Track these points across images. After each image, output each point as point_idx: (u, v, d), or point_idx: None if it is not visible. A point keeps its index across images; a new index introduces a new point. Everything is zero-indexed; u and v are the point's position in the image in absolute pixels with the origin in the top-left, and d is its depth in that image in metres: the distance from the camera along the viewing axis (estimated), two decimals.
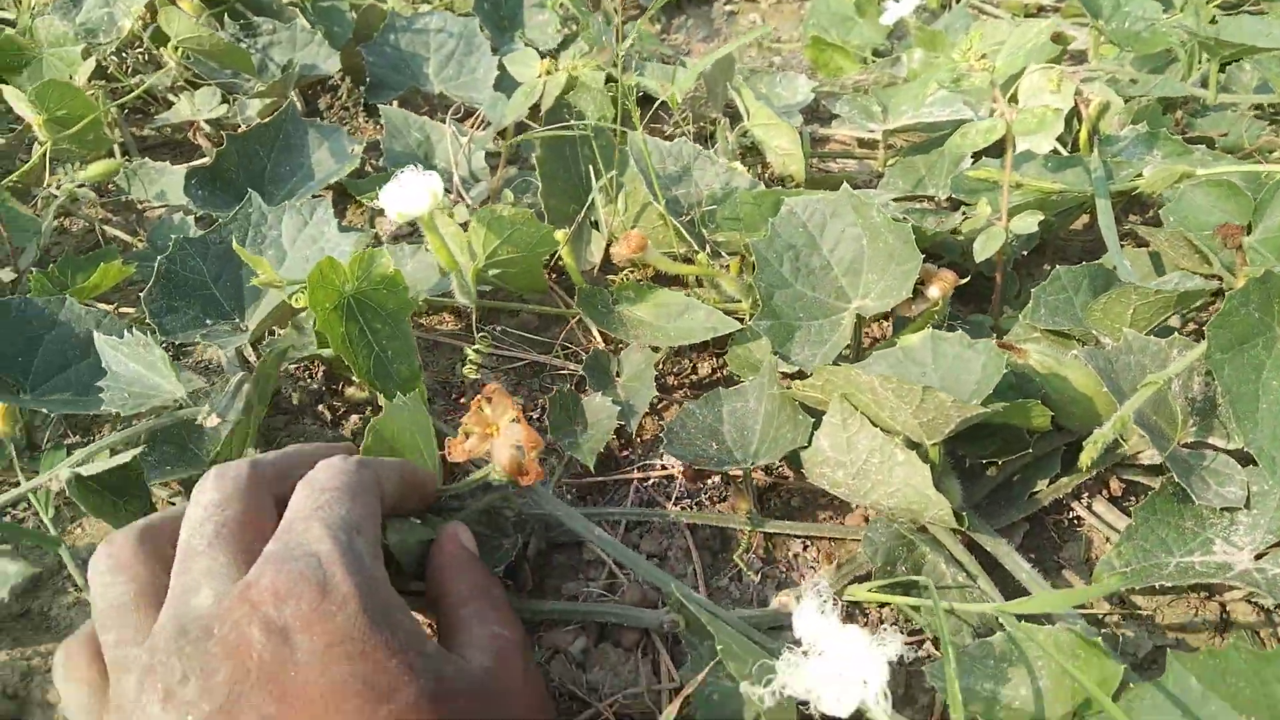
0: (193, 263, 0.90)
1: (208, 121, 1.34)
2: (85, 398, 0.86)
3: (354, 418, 0.97)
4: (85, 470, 0.72)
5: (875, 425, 0.77)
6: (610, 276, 1.15)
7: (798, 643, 0.59)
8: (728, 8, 1.97)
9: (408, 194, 0.84)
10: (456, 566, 0.69)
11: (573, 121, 1.07)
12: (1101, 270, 0.95)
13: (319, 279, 0.81)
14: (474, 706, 0.57)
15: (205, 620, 0.54)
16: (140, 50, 1.37)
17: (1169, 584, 0.75)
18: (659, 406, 1.00)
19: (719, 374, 1.04)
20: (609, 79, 1.23)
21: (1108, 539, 0.86)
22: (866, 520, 0.88)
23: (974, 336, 0.83)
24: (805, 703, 0.57)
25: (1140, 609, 0.81)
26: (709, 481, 0.91)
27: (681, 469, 0.91)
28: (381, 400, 0.84)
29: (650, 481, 0.92)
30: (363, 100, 1.46)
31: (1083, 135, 1.20)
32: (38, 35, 1.37)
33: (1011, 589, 0.78)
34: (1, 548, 0.72)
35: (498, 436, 0.73)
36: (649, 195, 1.05)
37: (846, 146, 1.49)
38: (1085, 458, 0.74)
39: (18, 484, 0.88)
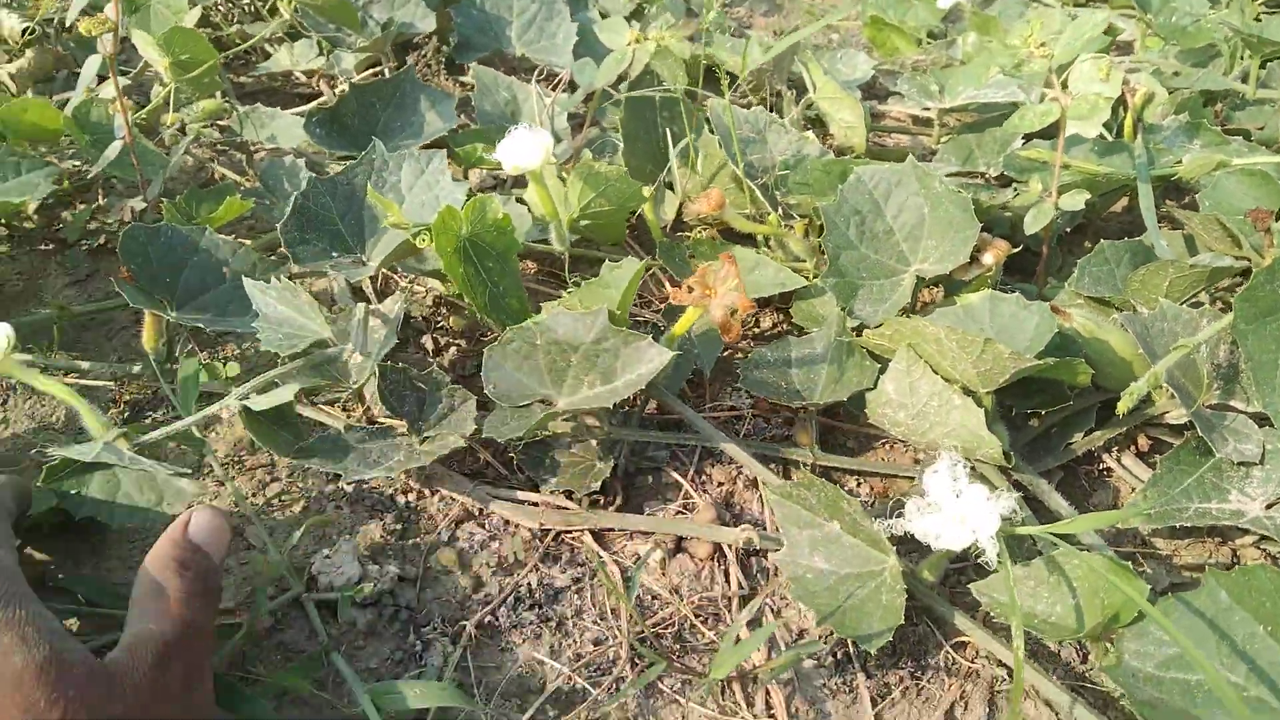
0: (323, 200, 1.00)
1: (304, 72, 1.44)
2: (223, 318, 0.97)
3: (453, 350, 1.07)
4: (253, 404, 0.83)
5: (936, 373, 0.87)
6: (680, 234, 1.24)
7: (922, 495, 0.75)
8: None
9: (523, 149, 0.93)
10: (148, 564, 0.70)
11: (664, 87, 1.16)
12: (1141, 246, 1.04)
13: (442, 225, 0.91)
14: (89, 689, 0.59)
15: None
16: (247, 2, 1.46)
17: (1188, 525, 0.84)
18: (724, 356, 1.09)
19: (779, 328, 1.13)
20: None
21: (1134, 489, 0.95)
22: (916, 462, 0.98)
23: None
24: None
25: (1160, 550, 0.90)
26: (770, 421, 1.01)
27: (753, 404, 1.01)
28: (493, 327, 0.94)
29: (719, 419, 1.01)
30: (443, 59, 1.56)
31: (1127, 123, 1.28)
32: None
33: (1049, 523, 0.87)
34: (182, 470, 0.81)
35: (715, 296, 0.84)
36: (724, 158, 1.15)
37: (900, 122, 1.57)
38: (1122, 406, 0.84)
39: (157, 391, 0.99)
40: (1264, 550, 0.90)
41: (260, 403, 0.82)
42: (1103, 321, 0.95)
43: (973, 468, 0.91)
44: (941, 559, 0.82)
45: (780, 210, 1.13)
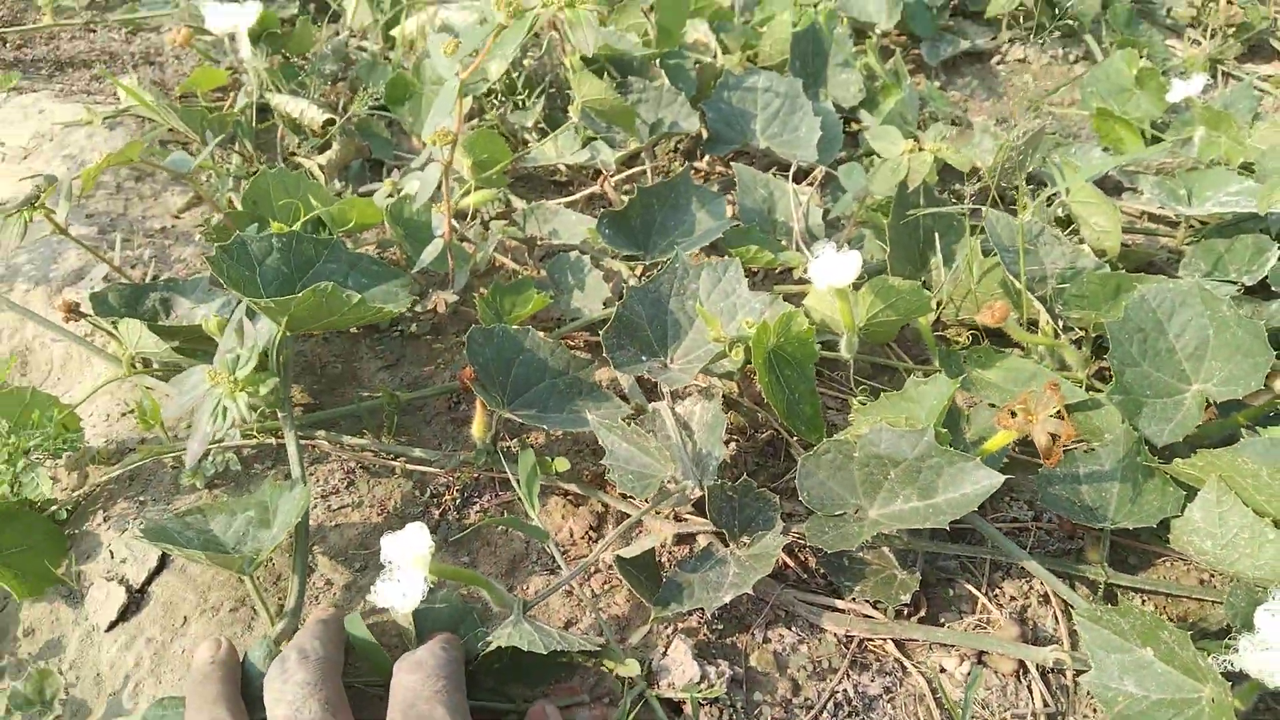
0: (636, 307, 1.08)
1: (567, 167, 1.54)
2: (544, 414, 1.05)
3: (732, 445, 1.13)
4: (623, 554, 0.93)
5: (1247, 505, 0.89)
6: (935, 334, 1.29)
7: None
8: (1001, 67, 2.08)
9: (837, 269, 0.99)
10: None
11: (960, 205, 1.22)
12: None
13: (757, 339, 0.98)
14: None
15: None
16: (519, 96, 1.57)
17: None
18: None
19: None
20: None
21: None
22: (1201, 583, 1.00)
23: None
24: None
25: None
26: (1053, 534, 1.04)
27: (1034, 517, 1.05)
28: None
29: (1004, 531, 1.05)
30: (680, 150, 1.64)
31: None
32: (423, 74, 1.59)
33: None
34: (587, 637, 0.90)
35: (1037, 422, 0.88)
36: (993, 264, 1.19)
37: (1134, 218, 1.58)
38: None
39: (487, 479, 1.07)
40: None
41: (629, 551, 0.92)
42: None
43: None
44: (1254, 689, 0.84)
45: (1059, 322, 1.17)
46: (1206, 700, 0.81)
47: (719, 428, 0.99)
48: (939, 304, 1.27)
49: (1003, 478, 0.89)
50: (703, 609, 0.90)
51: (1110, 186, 1.65)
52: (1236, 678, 0.81)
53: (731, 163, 1.45)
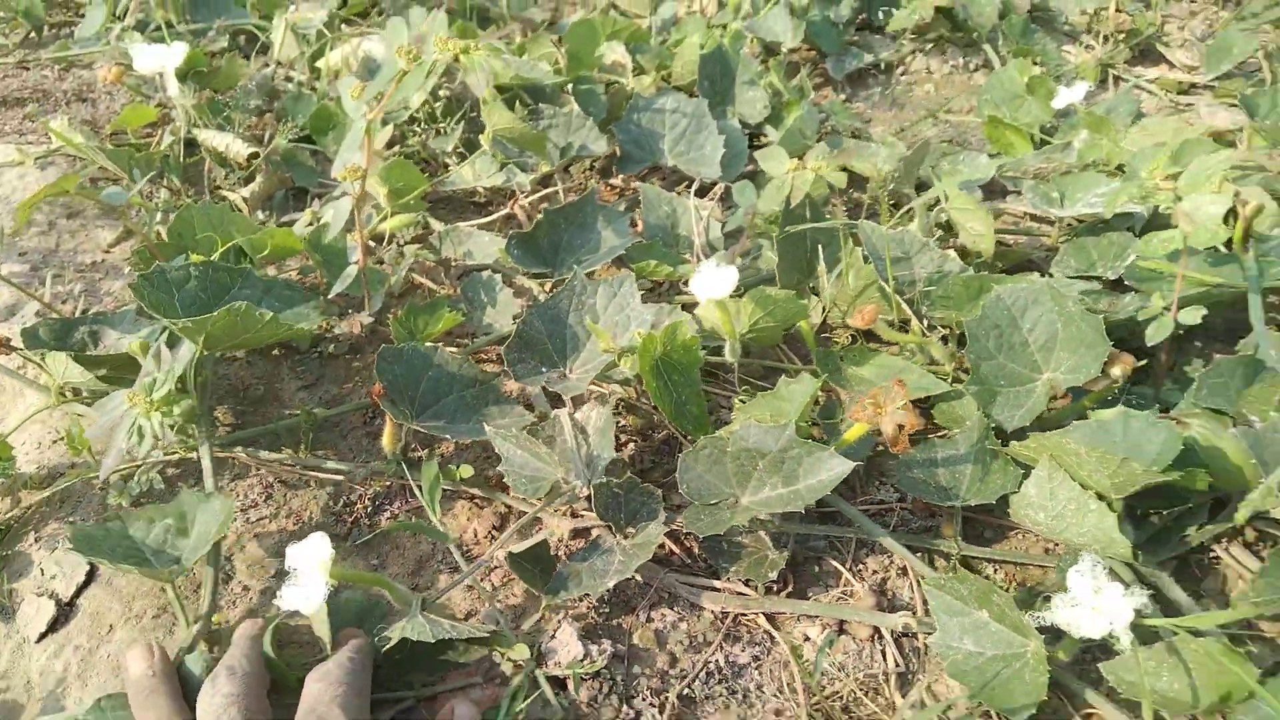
0: (537, 323, 1.18)
1: (486, 189, 1.63)
2: (452, 425, 1.14)
3: (631, 445, 1.23)
4: (515, 549, 1.02)
5: (1074, 480, 1.00)
6: (822, 334, 1.39)
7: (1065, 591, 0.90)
8: (905, 78, 2.20)
9: (715, 282, 1.09)
10: None
11: (819, 210, 1.32)
12: (1255, 361, 1.15)
13: (644, 348, 1.08)
14: None
15: None
16: (440, 124, 1.66)
17: None
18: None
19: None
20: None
21: (1240, 576, 1.06)
22: (1046, 551, 1.11)
23: (1139, 409, 1.06)
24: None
25: (1265, 633, 1.01)
26: (915, 513, 1.15)
27: (899, 499, 1.15)
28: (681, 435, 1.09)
29: (870, 513, 1.15)
30: (597, 170, 1.74)
31: (1237, 234, 1.38)
32: (345, 105, 1.68)
33: (1166, 611, 0.99)
34: (477, 627, 0.99)
35: (885, 414, 0.99)
36: (872, 273, 1.29)
37: (1018, 219, 1.70)
38: (1240, 516, 0.96)
39: (397, 487, 1.16)
40: None
41: (520, 547, 1.02)
42: (1219, 431, 1.06)
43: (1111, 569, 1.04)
44: (1075, 643, 0.94)
45: (924, 321, 1.27)
46: (1030, 653, 0.92)
47: (609, 430, 1.09)
48: (824, 309, 1.37)
49: (853, 464, 1.00)
50: (589, 594, 0.99)
51: (997, 190, 1.76)
52: (1058, 632, 0.91)
53: (637, 182, 1.55)
